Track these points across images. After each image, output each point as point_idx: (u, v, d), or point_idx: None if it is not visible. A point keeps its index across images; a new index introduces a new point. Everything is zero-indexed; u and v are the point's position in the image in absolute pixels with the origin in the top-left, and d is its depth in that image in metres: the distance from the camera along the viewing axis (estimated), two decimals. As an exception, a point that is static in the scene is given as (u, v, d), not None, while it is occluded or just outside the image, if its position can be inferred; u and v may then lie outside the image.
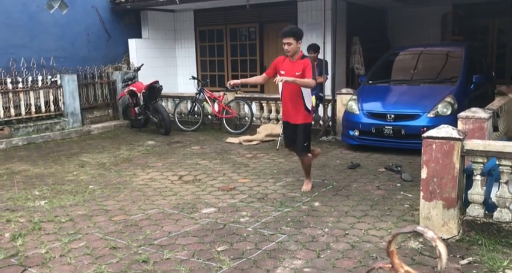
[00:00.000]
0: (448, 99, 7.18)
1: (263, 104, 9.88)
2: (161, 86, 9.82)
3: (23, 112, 9.31)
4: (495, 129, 5.41)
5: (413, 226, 1.52)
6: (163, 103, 10.73)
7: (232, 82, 5.54)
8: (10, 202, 5.36)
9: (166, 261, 3.71)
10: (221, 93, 10.06)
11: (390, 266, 1.48)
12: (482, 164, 3.92)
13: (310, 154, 5.48)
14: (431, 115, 7.08)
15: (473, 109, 4.88)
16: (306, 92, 5.25)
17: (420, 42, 9.93)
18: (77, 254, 3.90)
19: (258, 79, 6.02)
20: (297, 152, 5.51)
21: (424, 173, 4.03)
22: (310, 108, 5.34)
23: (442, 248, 1.35)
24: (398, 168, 6.28)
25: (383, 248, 3.87)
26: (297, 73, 5.10)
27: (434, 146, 3.94)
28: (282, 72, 5.22)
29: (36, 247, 4.06)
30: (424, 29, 11.91)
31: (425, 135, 4.02)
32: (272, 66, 5.48)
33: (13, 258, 3.84)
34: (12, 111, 9.14)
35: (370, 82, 8.42)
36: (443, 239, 3.94)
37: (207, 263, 3.65)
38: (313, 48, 8.44)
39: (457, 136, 3.88)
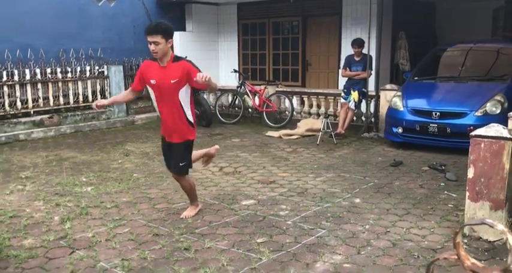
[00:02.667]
0: (498, 98, 6.93)
1: (304, 98, 9.84)
2: (204, 79, 9.92)
3: (71, 101, 9.65)
4: (548, 129, 5.18)
5: (481, 219, 1.48)
6: (205, 96, 10.86)
7: (99, 103, 4.47)
8: (59, 187, 5.59)
9: (207, 250, 3.78)
10: (262, 87, 10.09)
11: (456, 257, 1.44)
12: (533, 166, 3.77)
13: (188, 176, 4.57)
14: (479, 113, 6.86)
15: (526, 108, 4.70)
16: (186, 101, 4.23)
17: (469, 38, 9.61)
18: (121, 239, 4.03)
19: (126, 95, 4.60)
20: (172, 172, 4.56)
21: (470, 173, 3.92)
22: (193, 121, 4.38)
23: None
24: (443, 167, 6.13)
25: (425, 247, 3.80)
26: (172, 81, 4.05)
27: (482, 145, 3.83)
28: (152, 82, 4.11)
29: (83, 231, 4.22)
30: (473, 24, 11.50)
31: (473, 133, 3.91)
32: (138, 76, 4.29)
33: (62, 240, 4.01)
34: (61, 99, 9.49)
35: (415, 78, 8.23)
36: (489, 242, 3.84)
37: (246, 254, 3.70)
38: (358, 43, 8.34)
39: (508, 136, 3.75)
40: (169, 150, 4.38)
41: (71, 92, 9.61)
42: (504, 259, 3.55)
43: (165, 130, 4.37)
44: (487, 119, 6.39)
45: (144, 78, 4.19)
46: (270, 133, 8.91)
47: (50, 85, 9.32)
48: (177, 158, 4.35)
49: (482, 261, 3.50)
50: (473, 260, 1.44)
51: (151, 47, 3.97)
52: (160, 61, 4.09)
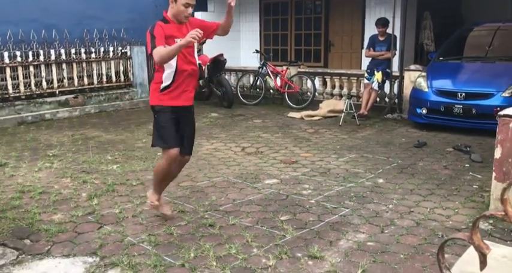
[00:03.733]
0: (526, 78, 6.77)
1: (326, 79, 9.77)
2: (225, 59, 9.91)
3: (95, 82, 9.77)
4: None
5: None
6: (227, 77, 10.86)
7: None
8: (85, 164, 5.71)
9: (231, 227, 3.84)
10: (284, 68, 10.04)
11: (504, 213, 1.46)
12: None
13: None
14: (506, 94, 6.72)
15: (556, 88, 4.59)
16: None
17: (498, 17, 9.34)
18: (147, 215, 4.12)
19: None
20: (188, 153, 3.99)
21: (498, 153, 3.87)
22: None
23: None
24: (468, 148, 6.05)
25: (449, 227, 3.79)
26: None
27: (511, 125, 3.76)
28: (177, 41, 3.54)
29: (110, 207, 4.32)
30: (502, 4, 11.16)
31: (502, 113, 3.85)
32: (161, 36, 3.58)
33: (90, 216, 4.12)
34: (85, 80, 9.62)
35: (440, 58, 8.08)
36: (515, 222, 3.80)
37: (270, 231, 3.75)
38: (382, 23, 8.21)
39: (538, 116, 3.68)
40: (182, 122, 3.84)
41: (94, 72, 9.73)
42: (530, 240, 3.52)
43: (181, 94, 3.76)
44: (514, 100, 6.27)
45: (168, 38, 3.63)
46: (292, 114, 8.90)
47: (75, 65, 9.44)
48: (193, 129, 4.01)
49: (508, 242, 3.48)
50: None
51: (189, 10, 3.66)
52: (183, 21, 3.73)
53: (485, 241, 1.61)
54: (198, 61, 3.84)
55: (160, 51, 3.47)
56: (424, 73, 7.65)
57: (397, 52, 8.46)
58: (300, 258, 3.28)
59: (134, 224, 3.95)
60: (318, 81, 9.79)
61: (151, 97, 3.79)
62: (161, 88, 3.71)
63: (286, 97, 9.80)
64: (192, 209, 4.24)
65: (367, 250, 3.41)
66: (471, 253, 1.59)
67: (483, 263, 1.48)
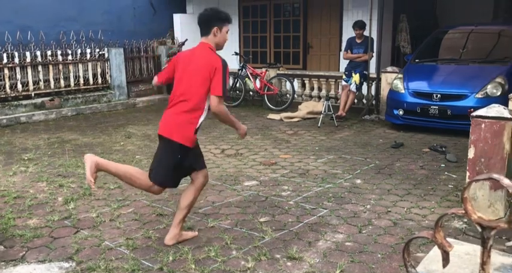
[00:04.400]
0: (499, 80, 6.93)
1: (305, 81, 9.83)
2: (204, 61, 9.90)
3: (72, 84, 9.64)
4: (548, 111, 5.20)
5: (488, 174, 1.55)
6: (206, 79, 10.81)
7: None
8: (62, 168, 5.62)
9: (210, 229, 3.83)
10: (263, 70, 10.07)
11: (463, 212, 1.52)
12: (534, 146, 3.80)
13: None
14: (479, 95, 6.87)
15: (527, 89, 4.71)
16: None
17: (470, 21, 9.55)
18: (125, 219, 4.08)
19: None
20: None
21: (471, 153, 3.95)
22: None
23: None
24: (443, 149, 6.16)
25: (426, 226, 3.86)
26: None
27: (483, 125, 3.85)
28: None
29: (87, 211, 4.26)
30: (474, 7, 11.40)
31: (474, 113, 3.93)
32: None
33: (66, 220, 4.06)
34: (62, 82, 9.48)
35: (416, 60, 8.22)
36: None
37: (250, 233, 3.75)
38: (359, 25, 8.30)
39: (509, 116, 3.77)
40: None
41: (71, 75, 9.60)
42: (504, 237, 3.61)
43: None
44: (487, 101, 6.38)
45: None
46: (271, 115, 8.93)
47: (51, 67, 9.30)
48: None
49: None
50: (480, 214, 1.52)
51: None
52: (222, 49, 3.66)
53: (449, 239, 1.66)
54: None
55: (226, 109, 3.42)
56: (400, 75, 7.76)
57: (374, 54, 8.57)
58: (278, 260, 3.30)
59: (111, 228, 3.91)
60: (297, 83, 9.85)
61: (185, 136, 3.38)
62: (195, 130, 3.42)
63: (266, 99, 9.84)
64: (170, 212, 4.21)
65: (345, 250, 3.44)
66: (436, 251, 1.64)
67: (445, 260, 1.53)
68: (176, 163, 3.46)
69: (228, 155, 6.23)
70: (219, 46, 3.56)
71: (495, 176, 1.50)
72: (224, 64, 3.38)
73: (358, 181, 5.03)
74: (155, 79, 3.80)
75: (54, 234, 3.78)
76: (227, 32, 3.55)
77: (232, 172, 5.42)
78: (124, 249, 3.49)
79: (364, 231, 3.76)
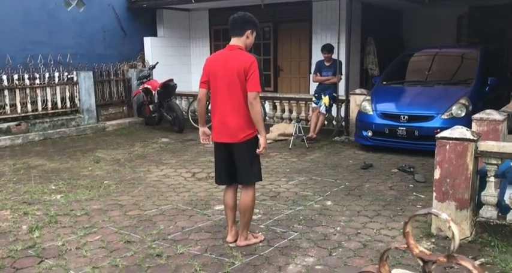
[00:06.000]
0: (463, 101, 7.15)
1: (276, 103, 9.90)
2: (175, 84, 9.91)
3: (40, 108, 9.45)
4: (510, 131, 5.38)
5: (429, 208, 1.59)
6: (178, 101, 10.80)
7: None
8: (27, 195, 5.47)
9: (179, 256, 3.76)
10: (235, 92, 10.09)
11: (406, 246, 1.54)
12: (496, 166, 3.91)
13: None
14: (445, 116, 7.06)
15: (488, 111, 4.86)
16: None
17: (435, 44, 9.88)
18: (92, 247, 3.97)
19: None
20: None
21: (437, 174, 4.03)
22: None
23: (455, 230, 1.41)
24: (411, 169, 6.27)
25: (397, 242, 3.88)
26: None
27: (447, 147, 3.94)
28: None
29: (53, 239, 4.14)
30: (439, 31, 11.83)
31: (439, 135, 4.03)
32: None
33: (30, 250, 3.93)
34: (29, 106, 9.28)
35: (384, 83, 8.41)
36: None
37: (219, 259, 3.70)
38: (327, 49, 8.46)
39: (471, 137, 3.88)
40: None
41: (39, 99, 9.42)
42: (470, 256, 3.66)
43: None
44: (453, 122, 6.57)
45: None
46: (243, 138, 8.91)
47: (17, 91, 9.11)
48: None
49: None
50: (421, 248, 1.55)
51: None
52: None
53: (396, 270, 1.70)
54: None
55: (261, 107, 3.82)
56: (368, 97, 7.91)
57: (343, 76, 8.74)
58: (248, 286, 3.25)
59: (78, 256, 3.80)
60: (268, 105, 9.91)
61: (248, 133, 3.75)
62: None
63: (237, 121, 9.82)
64: (139, 239, 4.13)
65: (315, 274, 3.43)
66: None
67: None
68: None
69: (199, 178, 6.18)
70: (247, 48, 3.80)
71: (433, 211, 1.55)
72: (254, 61, 3.63)
73: (329, 203, 5.06)
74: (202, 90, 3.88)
75: (17, 265, 3.65)
76: (255, 37, 3.81)
77: (203, 196, 5.37)
78: (90, 279, 3.39)
79: (334, 254, 3.76)
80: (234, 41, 3.77)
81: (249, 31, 3.76)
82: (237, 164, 3.85)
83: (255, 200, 3.99)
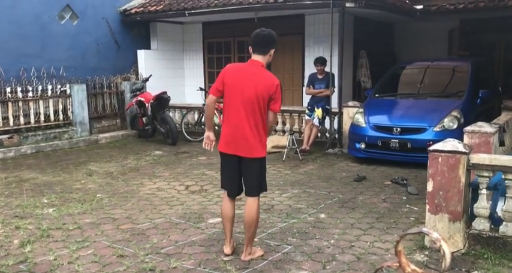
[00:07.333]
0: (455, 113, 7.21)
1: (270, 116, 9.93)
2: (169, 97, 9.92)
3: (32, 121, 9.41)
4: (501, 143, 5.43)
5: (419, 228, 1.60)
6: (171, 114, 10.81)
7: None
8: (19, 209, 5.42)
9: (172, 270, 3.74)
10: (228, 105, 10.11)
11: (398, 265, 1.55)
12: (488, 178, 3.94)
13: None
14: (437, 129, 7.11)
15: (480, 123, 4.91)
16: None
17: (427, 57, 10.00)
18: (84, 261, 3.94)
19: None
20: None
21: (430, 187, 4.05)
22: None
23: (446, 248, 1.42)
24: (404, 181, 6.29)
25: (388, 260, 3.88)
26: None
27: (440, 159, 3.97)
28: None
29: (45, 254, 4.10)
30: (430, 44, 11.98)
31: (431, 148, 4.06)
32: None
33: (22, 265, 3.88)
34: (21, 119, 9.24)
35: (376, 95, 8.48)
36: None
37: (213, 273, 3.68)
38: (320, 62, 8.53)
39: (463, 150, 3.91)
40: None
41: (32, 111, 9.38)
42: (463, 269, 3.67)
43: None
44: (445, 134, 6.63)
45: None
46: (236, 150, 8.91)
47: (10, 104, 9.07)
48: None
49: (443, 273, 3.60)
50: (413, 267, 1.55)
51: None
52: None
53: None
54: None
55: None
56: (361, 110, 7.97)
57: (336, 89, 8.80)
58: (242, 300, 3.23)
59: (70, 271, 3.76)
60: (261, 118, 9.92)
61: (263, 149, 3.83)
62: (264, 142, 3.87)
63: (231, 133, 9.83)
64: (131, 253, 4.10)
65: (309, 288, 3.41)
66: None
67: None
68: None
69: (192, 191, 6.16)
70: (265, 66, 3.88)
71: (424, 230, 1.56)
72: (279, 83, 3.79)
73: (322, 216, 5.05)
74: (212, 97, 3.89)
75: (8, 280, 3.60)
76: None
77: (196, 210, 5.35)
78: (82, 294, 3.35)
79: (328, 267, 3.75)
80: (257, 58, 3.81)
81: (273, 50, 3.84)
82: (245, 177, 3.86)
83: (259, 212, 3.97)
